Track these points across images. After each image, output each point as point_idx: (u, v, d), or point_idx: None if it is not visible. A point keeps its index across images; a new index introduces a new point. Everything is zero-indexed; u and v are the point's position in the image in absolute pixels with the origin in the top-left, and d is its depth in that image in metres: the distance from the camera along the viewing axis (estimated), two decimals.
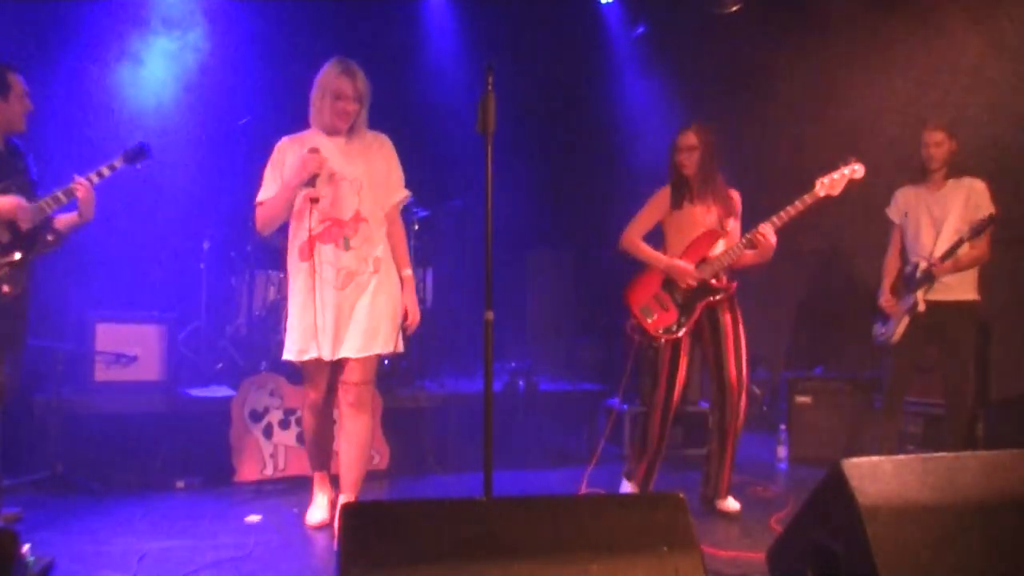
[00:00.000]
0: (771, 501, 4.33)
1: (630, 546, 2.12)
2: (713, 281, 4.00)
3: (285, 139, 3.61)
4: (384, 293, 3.54)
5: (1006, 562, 2.23)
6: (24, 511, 3.82)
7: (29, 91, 3.58)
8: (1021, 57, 5.24)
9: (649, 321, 4.04)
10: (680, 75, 6.96)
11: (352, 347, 3.50)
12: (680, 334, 4.00)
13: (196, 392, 4.95)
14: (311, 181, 3.41)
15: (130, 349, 4.73)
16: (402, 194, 3.68)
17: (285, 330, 3.66)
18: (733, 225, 4.11)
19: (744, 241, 3.93)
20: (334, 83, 3.48)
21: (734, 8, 6.20)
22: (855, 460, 2.29)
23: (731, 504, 4.07)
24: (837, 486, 2.25)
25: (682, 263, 4.00)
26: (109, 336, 4.70)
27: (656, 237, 4.19)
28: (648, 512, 2.20)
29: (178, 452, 4.58)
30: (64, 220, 3.61)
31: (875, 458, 2.34)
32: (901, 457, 2.37)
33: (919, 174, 4.53)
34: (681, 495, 2.21)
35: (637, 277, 4.14)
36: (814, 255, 6.38)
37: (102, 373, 4.68)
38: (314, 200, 3.41)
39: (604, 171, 7.01)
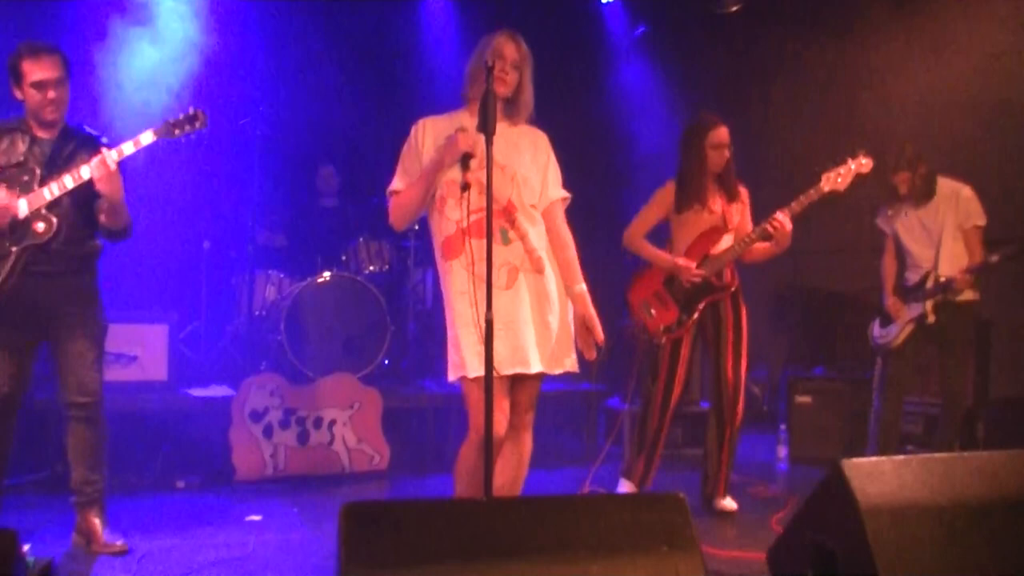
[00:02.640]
0: (771, 501, 4.33)
1: (630, 546, 2.12)
2: (715, 279, 3.98)
3: (425, 119, 3.09)
4: (559, 303, 3.07)
5: (1006, 562, 2.23)
6: (24, 511, 3.82)
7: (54, 77, 3.26)
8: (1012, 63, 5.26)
9: (650, 318, 4.03)
10: (680, 75, 6.95)
11: (527, 360, 2.96)
12: (681, 332, 3.99)
13: (196, 392, 4.95)
14: (465, 164, 2.86)
15: (130, 349, 4.73)
16: (562, 192, 3.18)
17: (456, 344, 2.98)
18: (739, 220, 4.05)
19: (758, 232, 3.87)
20: (494, 44, 3.02)
21: (734, 8, 6.19)
22: (855, 460, 2.29)
23: (729, 503, 4.06)
24: (837, 486, 2.25)
25: (684, 261, 3.96)
26: (109, 336, 4.68)
27: (662, 232, 4.17)
28: (648, 512, 2.20)
29: (178, 452, 4.58)
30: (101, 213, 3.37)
31: (875, 458, 2.34)
32: (901, 457, 2.37)
33: (897, 194, 4.49)
34: (681, 495, 2.21)
35: (639, 274, 4.12)
36: (814, 255, 6.37)
37: None
38: (465, 187, 2.84)
39: (604, 170, 7.00)
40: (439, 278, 3.11)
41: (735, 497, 4.11)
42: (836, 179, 3.78)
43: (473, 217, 2.88)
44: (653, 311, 4.03)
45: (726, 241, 4.01)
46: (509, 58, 3.01)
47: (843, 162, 3.80)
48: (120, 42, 5.68)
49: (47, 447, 4.30)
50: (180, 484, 4.44)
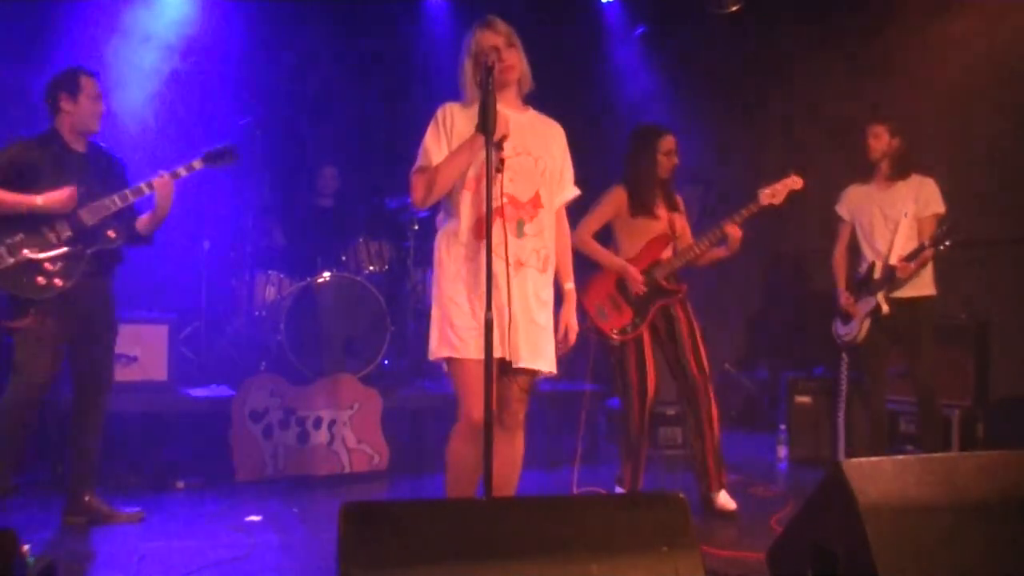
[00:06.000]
0: (771, 501, 4.33)
1: (630, 546, 2.12)
2: (666, 282, 4.10)
3: (450, 103, 3.07)
4: (549, 304, 3.08)
5: (1006, 562, 2.23)
6: (24, 511, 3.82)
7: (102, 94, 3.73)
8: (1013, 61, 5.25)
9: (604, 321, 4.11)
10: (680, 75, 6.95)
11: (522, 354, 2.96)
12: (635, 334, 4.08)
13: (196, 392, 4.95)
14: (499, 147, 2.84)
15: (130, 349, 4.72)
16: (575, 192, 3.23)
17: (443, 322, 2.99)
18: (681, 227, 4.23)
19: (713, 237, 4.05)
20: (481, 40, 2.98)
21: (734, 8, 6.20)
22: (855, 460, 2.29)
23: (726, 500, 4.06)
24: (837, 486, 2.25)
25: (633, 270, 4.08)
26: None
27: (605, 234, 4.23)
28: (648, 512, 2.20)
29: (178, 452, 4.58)
30: (144, 220, 3.80)
31: (875, 458, 2.34)
32: (901, 457, 2.37)
33: (868, 171, 4.56)
34: (681, 495, 2.21)
35: (591, 277, 4.18)
36: (814, 255, 6.37)
37: None
38: (499, 166, 2.81)
39: (603, 171, 7.01)
40: (442, 263, 3.03)
41: (735, 497, 4.11)
42: (772, 194, 4.02)
43: (504, 200, 2.88)
44: (607, 314, 4.12)
45: (670, 249, 4.17)
46: (501, 40, 2.98)
47: (779, 179, 4.04)
48: (121, 40, 5.69)
49: (47, 447, 4.30)
50: (180, 484, 4.44)
